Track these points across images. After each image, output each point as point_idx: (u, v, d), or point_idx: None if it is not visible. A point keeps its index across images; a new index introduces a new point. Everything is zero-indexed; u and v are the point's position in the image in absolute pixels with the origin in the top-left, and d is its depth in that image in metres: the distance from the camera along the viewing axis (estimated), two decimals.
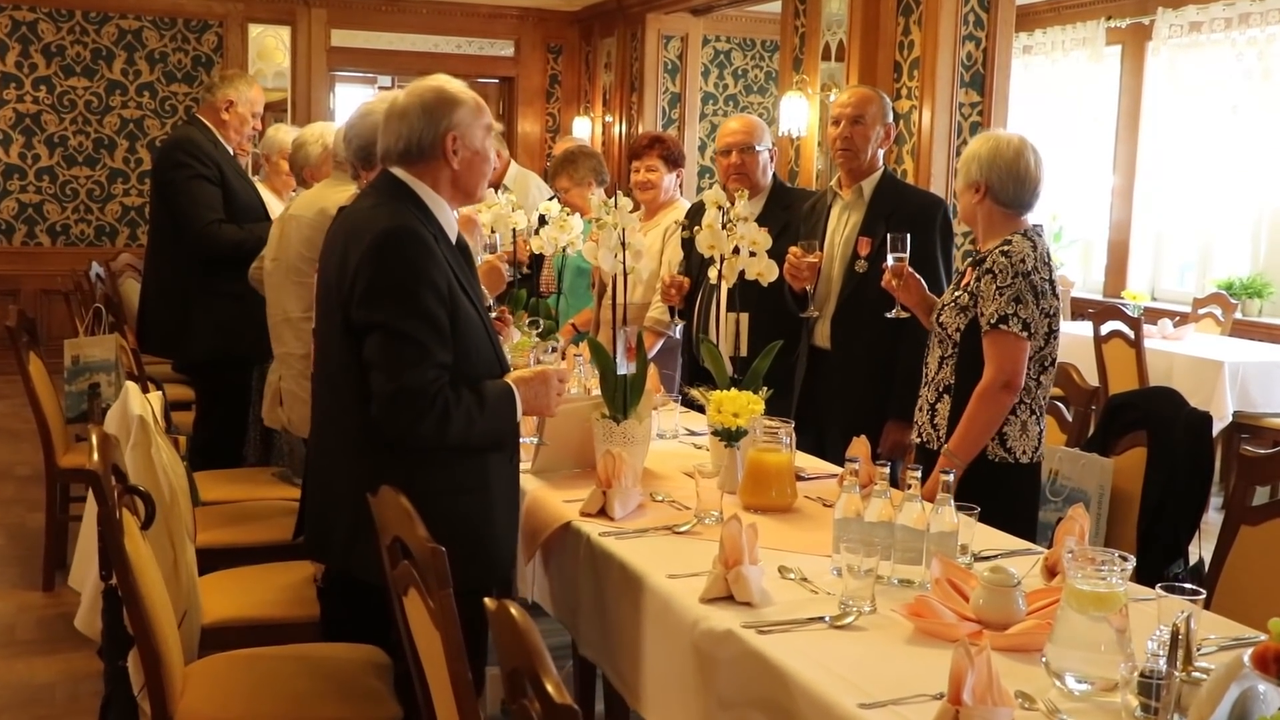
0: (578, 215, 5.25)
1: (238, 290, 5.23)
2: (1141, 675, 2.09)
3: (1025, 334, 3.64)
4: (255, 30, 11.26)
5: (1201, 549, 4.07)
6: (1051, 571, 2.93)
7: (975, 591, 2.64)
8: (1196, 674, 2.29)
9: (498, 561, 3.24)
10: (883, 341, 4.38)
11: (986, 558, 3.06)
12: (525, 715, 1.81)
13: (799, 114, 8.02)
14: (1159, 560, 3.83)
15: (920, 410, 3.94)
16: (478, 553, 3.09)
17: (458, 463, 3.09)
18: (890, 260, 3.92)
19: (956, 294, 3.80)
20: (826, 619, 2.62)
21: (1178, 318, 8.45)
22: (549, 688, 1.71)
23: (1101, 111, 10.41)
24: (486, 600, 1.97)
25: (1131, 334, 7.44)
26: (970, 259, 3.84)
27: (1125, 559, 2.37)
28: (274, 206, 5.96)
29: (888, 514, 2.85)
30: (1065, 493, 4.01)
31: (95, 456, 2.93)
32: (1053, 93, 10.65)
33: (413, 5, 11.48)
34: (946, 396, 3.82)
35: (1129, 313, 7.69)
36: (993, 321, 3.63)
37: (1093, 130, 10.47)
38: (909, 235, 3.94)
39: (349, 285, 3.02)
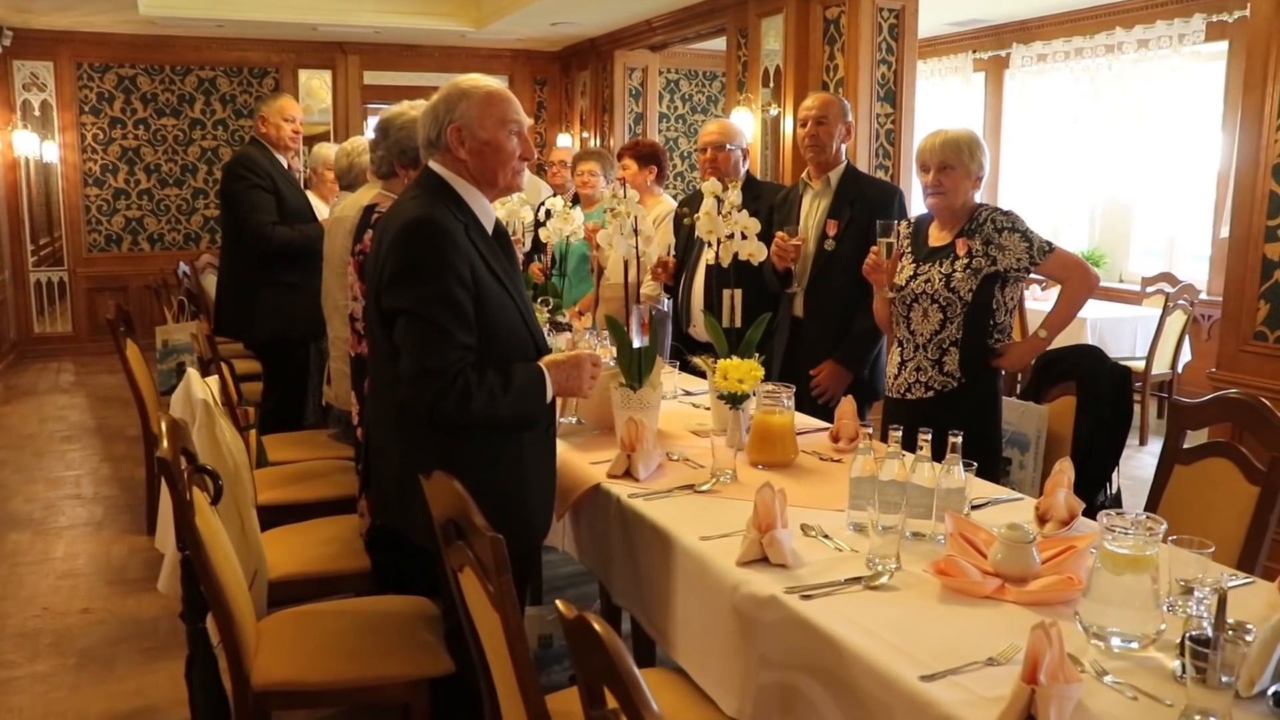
0: (578, 209, 4.62)
1: (292, 280, 4.76)
2: (1191, 639, 1.54)
3: None
4: (304, 74, 10.62)
5: (1119, 480, 3.57)
6: (1042, 519, 2.39)
7: (994, 548, 2.09)
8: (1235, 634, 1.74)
9: (531, 529, 2.55)
10: (846, 308, 3.85)
11: (979, 505, 2.50)
12: None
13: (746, 125, 7.39)
14: (1089, 490, 3.34)
15: (920, 370, 3.36)
16: (511, 521, 2.35)
17: (490, 438, 2.41)
18: (885, 247, 3.35)
19: (966, 261, 3.26)
20: (861, 580, 2.05)
21: (1044, 283, 7.95)
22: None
23: (971, 122, 9.94)
24: (560, 605, 1.39)
25: None
26: (959, 233, 3.30)
27: (1157, 521, 1.81)
28: (321, 210, 5.45)
29: (901, 474, 2.25)
30: (1008, 435, 3.50)
31: (165, 444, 2.32)
32: (934, 108, 10.18)
33: (427, 50, 10.84)
34: (954, 349, 3.30)
35: None
36: (1046, 249, 3.30)
37: None
38: (895, 223, 3.40)
39: (379, 273, 2.38)
